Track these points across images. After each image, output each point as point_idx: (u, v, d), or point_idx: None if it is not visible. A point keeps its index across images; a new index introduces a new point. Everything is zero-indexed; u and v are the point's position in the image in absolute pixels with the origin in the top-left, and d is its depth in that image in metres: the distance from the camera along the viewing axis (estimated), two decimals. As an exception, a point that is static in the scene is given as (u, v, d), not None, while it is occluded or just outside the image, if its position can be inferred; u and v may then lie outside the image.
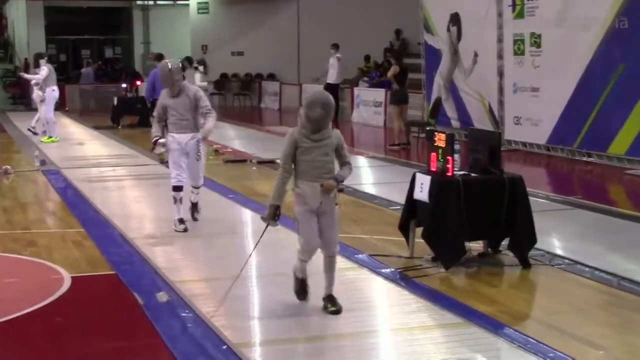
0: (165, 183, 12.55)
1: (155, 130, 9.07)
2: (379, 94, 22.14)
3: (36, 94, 18.16)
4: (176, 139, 8.96)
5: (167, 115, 9.00)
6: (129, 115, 22.04)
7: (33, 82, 18.77)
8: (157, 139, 8.99)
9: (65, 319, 6.25)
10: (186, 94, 8.97)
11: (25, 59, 29.05)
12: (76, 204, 10.94)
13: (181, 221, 9.03)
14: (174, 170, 9.09)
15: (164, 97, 9.04)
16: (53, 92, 17.54)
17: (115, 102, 22.23)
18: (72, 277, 7.27)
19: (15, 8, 32.26)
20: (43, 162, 14.44)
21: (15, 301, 6.65)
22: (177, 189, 9.07)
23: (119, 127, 21.32)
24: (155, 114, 9.15)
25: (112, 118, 22.06)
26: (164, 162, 14.41)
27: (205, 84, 19.81)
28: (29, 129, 19.54)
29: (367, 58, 26.32)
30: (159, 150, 9.23)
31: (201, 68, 20.14)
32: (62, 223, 9.90)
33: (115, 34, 35.48)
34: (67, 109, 26.22)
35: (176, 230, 8.97)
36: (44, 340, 5.84)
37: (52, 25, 32.19)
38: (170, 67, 9.00)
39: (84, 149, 17.24)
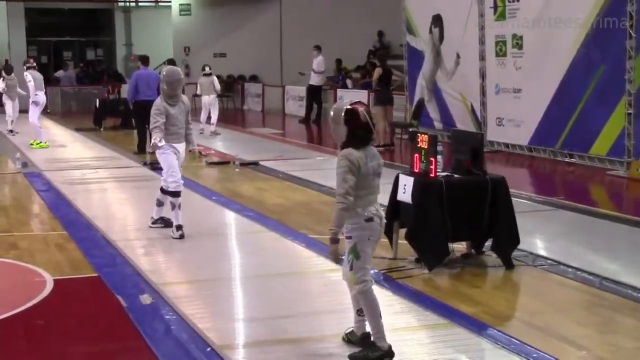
0: (147, 185, 12.55)
1: (159, 138, 8.54)
2: (362, 96, 22.14)
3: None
4: (175, 148, 8.74)
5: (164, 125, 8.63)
6: (111, 117, 21.97)
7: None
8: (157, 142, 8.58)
9: (47, 322, 6.22)
10: (182, 102, 8.78)
11: (6, 60, 28.86)
12: (58, 206, 10.88)
13: (179, 227, 8.75)
14: (173, 175, 8.77)
15: (165, 106, 8.60)
16: (36, 97, 17.41)
17: (97, 104, 22.15)
18: (55, 280, 7.23)
19: (-5, 9, 32.08)
20: (25, 165, 14.36)
21: (-3, 304, 6.62)
22: (178, 194, 8.78)
23: (102, 129, 21.24)
24: (158, 123, 8.54)
25: (94, 120, 21.97)
26: (148, 164, 14.38)
27: (218, 87, 19.85)
28: (9, 132, 19.47)
29: (338, 62, 26.23)
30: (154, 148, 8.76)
31: (207, 68, 20.10)
32: (44, 226, 9.85)
33: (97, 36, 35.31)
34: (48, 110, 26.07)
35: (173, 237, 8.70)
36: (26, 343, 5.80)
37: (33, 27, 31.99)
38: (182, 74, 8.81)
39: (66, 151, 17.15)
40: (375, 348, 5.26)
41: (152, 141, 8.65)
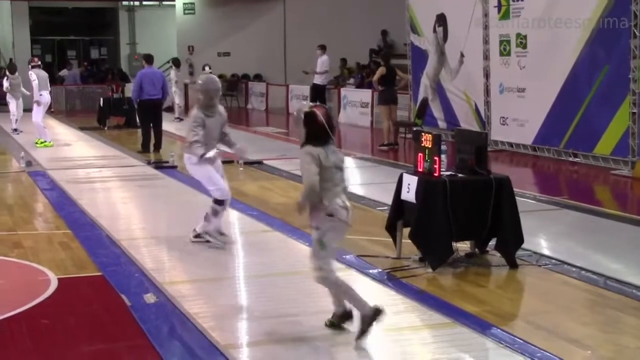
0: (151, 184, 12.58)
1: (204, 152, 8.09)
2: (366, 95, 22.16)
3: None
4: (211, 160, 8.28)
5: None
6: (115, 116, 21.99)
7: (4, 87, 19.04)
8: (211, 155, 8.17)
9: (52, 321, 6.23)
10: (219, 113, 8.22)
11: (11, 59, 28.91)
12: (62, 205, 10.90)
13: (222, 233, 8.42)
14: (215, 184, 8.29)
15: (202, 117, 8.03)
16: (41, 97, 17.42)
17: (102, 103, 22.18)
18: (59, 279, 7.24)
19: (0, 8, 32.10)
20: (29, 164, 14.39)
21: (0, 303, 6.62)
22: (222, 202, 8.30)
23: (106, 128, 21.26)
24: (198, 136, 8.01)
25: (98, 119, 22.00)
26: (152, 163, 14.40)
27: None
28: (13, 130, 19.52)
29: (343, 61, 26.23)
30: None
31: (207, 68, 20.16)
32: (49, 224, 9.86)
33: (101, 35, 35.35)
34: (52, 109, 26.11)
35: (215, 245, 8.31)
36: (30, 342, 5.81)
37: (38, 26, 32.03)
38: (219, 82, 8.27)
39: (71, 150, 17.18)
40: (365, 316, 5.57)
41: (207, 155, 8.09)
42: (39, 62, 18.38)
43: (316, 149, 5.61)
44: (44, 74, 17.85)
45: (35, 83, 17.26)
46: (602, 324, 6.09)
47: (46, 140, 17.34)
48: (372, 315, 5.56)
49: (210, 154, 8.14)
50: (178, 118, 23.02)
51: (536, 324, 6.00)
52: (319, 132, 5.65)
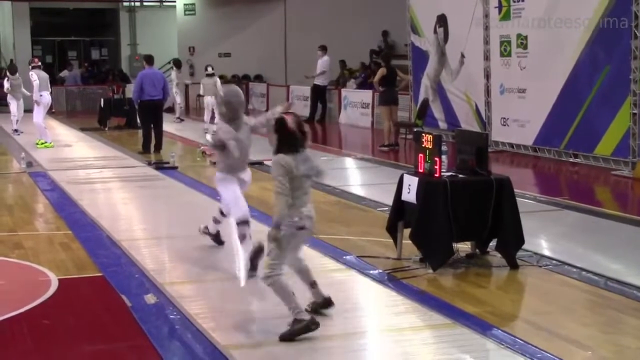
0: (152, 185, 12.58)
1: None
2: (367, 96, 22.16)
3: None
4: (240, 179, 7.71)
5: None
6: (116, 117, 22.00)
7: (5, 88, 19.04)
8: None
9: (52, 322, 6.23)
10: (245, 124, 7.62)
11: (11, 60, 28.92)
12: (63, 206, 10.90)
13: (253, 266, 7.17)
14: (239, 203, 7.58)
15: (232, 132, 7.43)
16: (42, 98, 17.44)
17: (102, 103, 22.19)
18: (60, 280, 7.24)
19: (1, 9, 32.11)
20: (30, 164, 14.39)
21: (1, 304, 6.62)
22: (246, 223, 7.52)
23: (106, 129, 21.26)
24: (236, 153, 7.38)
25: (99, 120, 22.01)
26: (153, 164, 14.39)
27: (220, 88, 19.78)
28: (14, 131, 19.53)
29: (342, 63, 26.19)
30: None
31: (210, 69, 20.17)
32: (49, 225, 9.86)
33: (102, 36, 35.37)
34: (53, 110, 26.12)
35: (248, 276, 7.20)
36: (31, 342, 5.81)
37: (38, 27, 32.04)
38: (242, 94, 7.71)
39: (71, 151, 17.18)
40: (299, 321, 5.62)
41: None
42: (39, 63, 18.40)
43: (286, 158, 5.66)
44: (45, 75, 17.88)
45: (36, 83, 17.26)
46: (603, 324, 6.09)
47: (47, 141, 17.34)
48: (307, 325, 5.61)
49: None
50: (179, 118, 23.05)
51: (537, 325, 6.00)
52: (289, 139, 5.69)
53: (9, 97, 19.56)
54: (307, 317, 5.67)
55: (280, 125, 5.73)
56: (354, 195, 11.50)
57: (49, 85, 18.08)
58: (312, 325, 5.62)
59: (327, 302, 6.10)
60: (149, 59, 16.75)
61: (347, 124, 22.57)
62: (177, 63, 24.08)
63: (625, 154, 13.01)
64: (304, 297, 6.04)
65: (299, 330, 5.61)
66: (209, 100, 19.72)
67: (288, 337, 5.60)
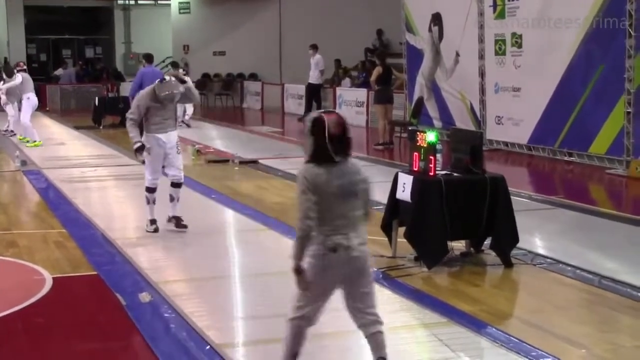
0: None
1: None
2: (361, 94, 22.17)
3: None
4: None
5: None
6: (110, 115, 21.96)
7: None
8: None
9: (46, 320, 6.22)
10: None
11: (5, 58, 28.86)
12: (58, 204, 10.88)
13: (153, 222, 8.94)
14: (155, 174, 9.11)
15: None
16: (28, 100, 17.48)
17: (97, 102, 22.15)
18: (54, 278, 7.23)
19: (-5, 7, 32.09)
20: (24, 163, 14.36)
21: (-4, 302, 6.62)
22: (153, 190, 9.03)
23: (101, 127, 21.22)
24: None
25: (93, 118, 21.97)
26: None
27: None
28: (5, 131, 19.45)
29: (337, 62, 26.18)
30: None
31: (182, 70, 20.20)
32: (44, 224, 9.84)
33: (96, 34, 35.32)
34: (47, 109, 26.09)
35: (147, 231, 8.90)
36: (25, 341, 5.80)
37: (32, 25, 32.00)
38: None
39: (66, 149, 17.15)
40: None
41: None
42: (25, 67, 18.56)
43: (313, 171, 4.43)
44: (28, 77, 18.02)
45: (18, 79, 17.40)
46: (598, 322, 6.10)
47: (35, 140, 17.36)
48: None
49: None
50: (182, 122, 23.09)
51: (531, 323, 6.01)
52: (322, 145, 4.40)
53: (3, 99, 19.27)
54: None
55: (316, 127, 4.45)
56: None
57: (33, 87, 18.21)
58: None
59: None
60: (149, 58, 16.76)
61: (342, 122, 22.51)
62: (174, 65, 24.02)
63: (619, 153, 13.03)
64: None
65: None
66: None
67: None
